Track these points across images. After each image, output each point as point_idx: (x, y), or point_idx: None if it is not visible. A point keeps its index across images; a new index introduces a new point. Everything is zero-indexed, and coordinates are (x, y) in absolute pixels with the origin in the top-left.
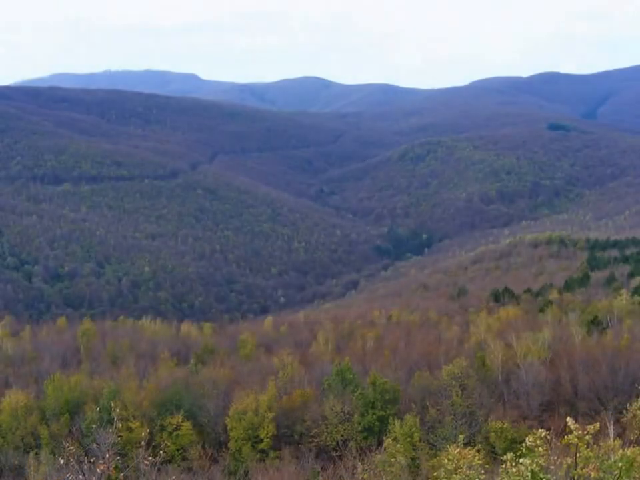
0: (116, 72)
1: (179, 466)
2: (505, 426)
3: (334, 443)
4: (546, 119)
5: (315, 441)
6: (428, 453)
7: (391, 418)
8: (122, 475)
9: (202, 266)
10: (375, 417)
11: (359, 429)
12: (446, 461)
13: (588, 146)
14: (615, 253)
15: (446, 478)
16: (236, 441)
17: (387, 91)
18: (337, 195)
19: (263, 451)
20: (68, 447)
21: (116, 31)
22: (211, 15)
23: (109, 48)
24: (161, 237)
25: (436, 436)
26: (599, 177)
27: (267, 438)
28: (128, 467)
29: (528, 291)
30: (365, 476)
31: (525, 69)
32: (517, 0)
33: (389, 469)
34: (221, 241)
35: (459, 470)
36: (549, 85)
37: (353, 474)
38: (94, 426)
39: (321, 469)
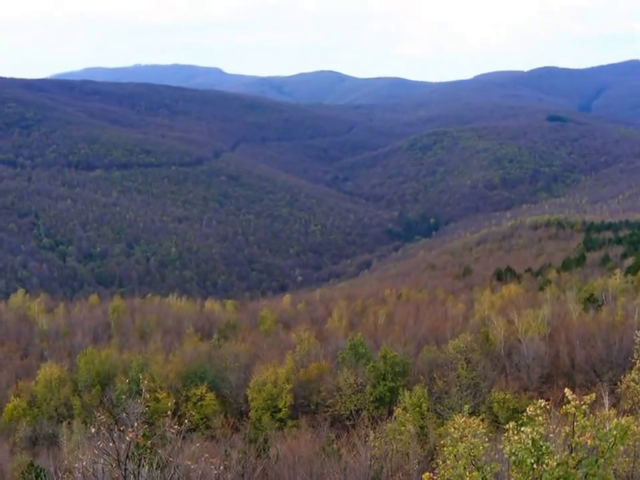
0: (145, 66)
1: (202, 434)
2: (507, 396)
3: (348, 413)
4: (545, 110)
5: (330, 410)
6: (435, 421)
7: (400, 389)
8: (150, 442)
9: (225, 247)
10: (385, 388)
11: (371, 399)
12: (452, 429)
13: (584, 136)
14: (609, 234)
15: (452, 445)
16: (256, 410)
17: (397, 84)
18: (350, 182)
19: (281, 420)
20: (99, 416)
21: (145, 27)
22: (233, 12)
23: (138, 44)
24: (186, 220)
25: (443, 406)
26: (594, 164)
27: (285, 408)
28: (155, 434)
29: (528, 270)
30: (377, 443)
31: (525, 64)
32: None
33: (398, 437)
34: (243, 224)
35: (464, 438)
36: (547, 79)
37: (366, 441)
38: (123, 397)
39: (336, 436)
